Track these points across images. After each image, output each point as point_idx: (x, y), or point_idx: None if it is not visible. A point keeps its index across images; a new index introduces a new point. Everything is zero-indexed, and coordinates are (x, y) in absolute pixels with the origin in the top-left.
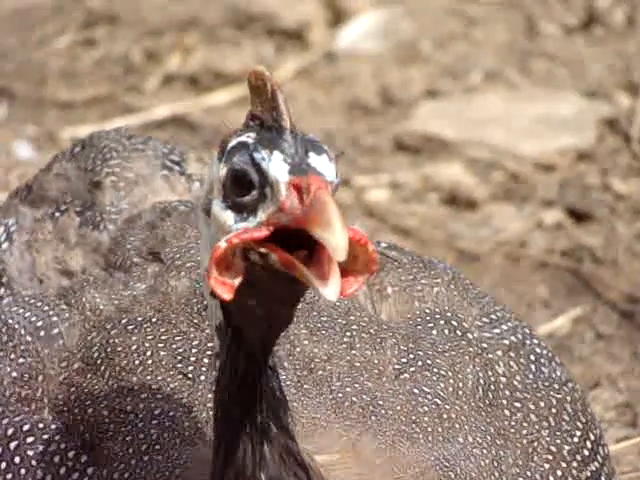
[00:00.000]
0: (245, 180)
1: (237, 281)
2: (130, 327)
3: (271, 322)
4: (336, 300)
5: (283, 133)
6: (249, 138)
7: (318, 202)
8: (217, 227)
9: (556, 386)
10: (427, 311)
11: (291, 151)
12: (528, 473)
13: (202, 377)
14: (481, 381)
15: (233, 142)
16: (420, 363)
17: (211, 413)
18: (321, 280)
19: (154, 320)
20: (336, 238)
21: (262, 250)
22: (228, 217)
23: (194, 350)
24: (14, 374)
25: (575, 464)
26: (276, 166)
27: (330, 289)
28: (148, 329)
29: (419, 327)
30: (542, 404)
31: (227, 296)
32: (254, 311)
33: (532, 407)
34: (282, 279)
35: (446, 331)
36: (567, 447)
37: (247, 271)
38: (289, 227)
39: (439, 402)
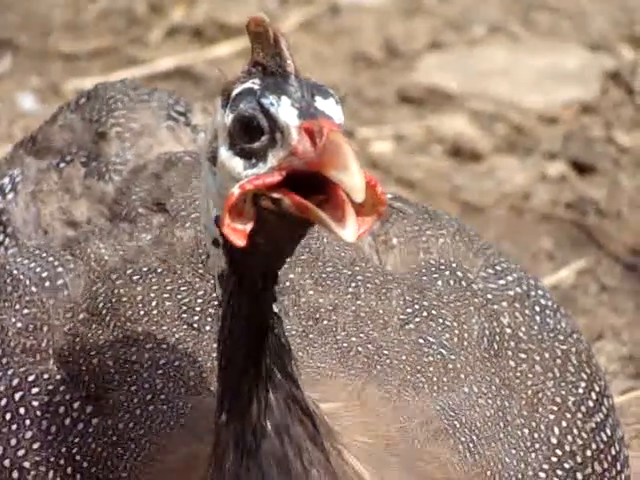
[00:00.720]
0: (254, 126)
1: (248, 227)
2: (135, 277)
3: (275, 258)
4: (354, 241)
5: (288, 78)
6: (254, 84)
7: (332, 144)
8: (225, 174)
9: (561, 337)
10: (432, 262)
11: (298, 95)
12: (533, 424)
13: (207, 327)
14: (486, 332)
15: (238, 89)
16: (425, 313)
17: (216, 363)
18: (338, 222)
19: (159, 270)
20: (354, 179)
21: (275, 195)
22: (237, 164)
23: (199, 300)
24: (19, 325)
25: (580, 415)
26: (285, 111)
27: (348, 230)
28: (153, 279)
29: (424, 278)
30: (547, 355)
31: (240, 242)
32: (260, 251)
33: (537, 358)
34: (293, 222)
35: (451, 282)
36: (572, 398)
37: (258, 217)
38: (302, 171)
39: (444, 352)
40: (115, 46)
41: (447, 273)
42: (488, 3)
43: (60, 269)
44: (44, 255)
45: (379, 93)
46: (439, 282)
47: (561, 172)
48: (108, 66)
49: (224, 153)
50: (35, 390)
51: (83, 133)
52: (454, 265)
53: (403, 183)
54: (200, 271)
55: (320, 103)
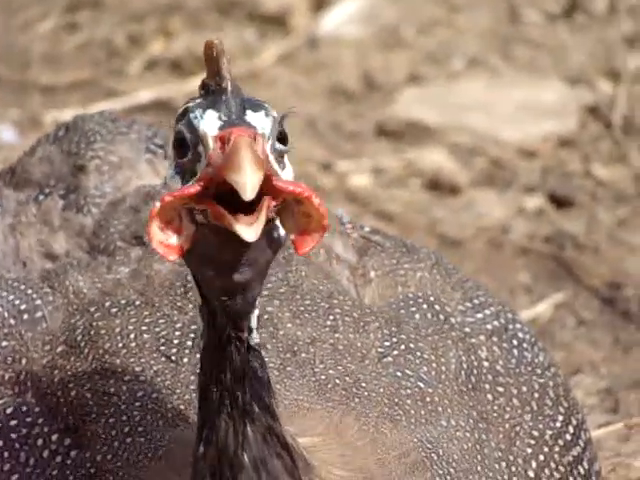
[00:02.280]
0: (184, 142)
1: (185, 243)
2: (113, 310)
3: (231, 293)
4: (252, 239)
5: (223, 94)
6: (192, 102)
7: (233, 147)
8: None
9: (539, 371)
10: (410, 295)
11: (228, 110)
12: (510, 457)
13: (185, 359)
14: (464, 365)
15: (180, 110)
16: (403, 347)
17: (194, 395)
18: (238, 221)
19: (137, 303)
20: (243, 177)
21: (201, 207)
22: (176, 183)
23: (177, 333)
24: None
25: (557, 449)
26: (206, 122)
27: (243, 227)
28: (131, 312)
29: (402, 311)
30: (525, 389)
31: (171, 257)
32: (213, 281)
33: (515, 391)
34: (224, 236)
35: (429, 315)
36: (549, 432)
37: (197, 233)
38: (216, 179)
39: (422, 385)
40: (94, 78)
41: (425, 306)
42: (467, 37)
43: (39, 302)
44: (22, 287)
45: (357, 126)
46: (417, 315)
47: (539, 206)
48: (87, 98)
49: (168, 173)
50: (13, 422)
51: (62, 165)
52: (432, 298)
53: (381, 216)
54: (178, 304)
55: (249, 116)
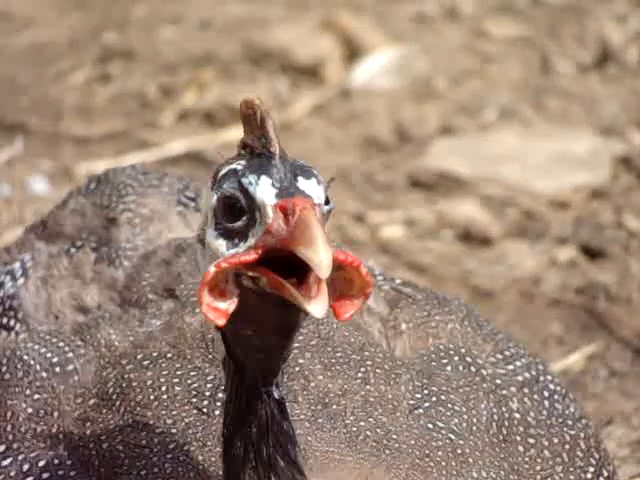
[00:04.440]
0: (235, 206)
1: (231, 307)
2: (145, 362)
3: (268, 352)
4: (323, 316)
5: (272, 159)
6: (239, 165)
7: (301, 221)
8: (211, 256)
9: (570, 422)
10: (441, 347)
11: (279, 175)
12: None
13: (216, 412)
14: (495, 417)
15: (224, 170)
16: (434, 399)
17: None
18: (308, 299)
19: (169, 356)
20: (318, 255)
21: (252, 274)
22: (220, 245)
23: (209, 385)
24: (30, 410)
25: None
26: (263, 189)
27: (316, 306)
28: (163, 364)
29: (433, 363)
30: (556, 440)
31: (220, 322)
32: (250, 341)
33: (546, 443)
34: (274, 303)
35: (460, 367)
36: None
37: (241, 297)
38: (276, 249)
39: (453, 437)
40: (126, 129)
41: (456, 358)
42: (499, 88)
43: (70, 354)
44: (55, 340)
45: (390, 178)
46: (448, 367)
47: (571, 257)
48: (119, 149)
49: (210, 234)
50: (46, 475)
51: (93, 218)
52: (463, 350)
53: (413, 268)
54: (210, 356)
55: (302, 183)
